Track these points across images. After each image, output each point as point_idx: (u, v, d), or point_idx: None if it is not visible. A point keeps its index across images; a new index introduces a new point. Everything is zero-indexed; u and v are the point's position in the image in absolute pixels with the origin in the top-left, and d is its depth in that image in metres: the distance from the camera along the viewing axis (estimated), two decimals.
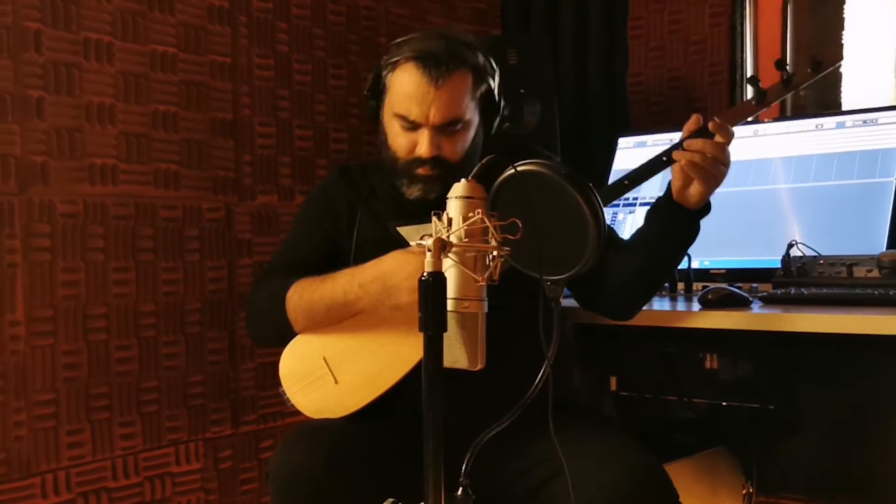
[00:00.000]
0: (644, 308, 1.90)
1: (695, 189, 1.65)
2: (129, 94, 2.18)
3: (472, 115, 1.78)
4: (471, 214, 1.17)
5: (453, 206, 1.19)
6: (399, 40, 1.79)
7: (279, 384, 1.81)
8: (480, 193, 1.20)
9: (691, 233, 1.73)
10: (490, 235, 1.17)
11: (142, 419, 2.21)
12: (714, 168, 1.62)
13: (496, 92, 1.82)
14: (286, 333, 1.78)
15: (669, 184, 1.69)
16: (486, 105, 1.82)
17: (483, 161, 1.24)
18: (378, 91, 1.82)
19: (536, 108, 2.53)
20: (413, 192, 1.78)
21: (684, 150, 1.63)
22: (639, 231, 1.78)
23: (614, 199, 1.78)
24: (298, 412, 1.79)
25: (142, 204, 2.21)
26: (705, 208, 1.70)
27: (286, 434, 1.83)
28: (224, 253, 2.38)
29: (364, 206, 1.87)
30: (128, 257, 2.18)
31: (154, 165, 2.23)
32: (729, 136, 1.64)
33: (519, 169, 1.24)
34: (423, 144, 1.74)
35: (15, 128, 1.99)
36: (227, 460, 2.39)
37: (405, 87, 1.74)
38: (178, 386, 2.28)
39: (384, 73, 1.79)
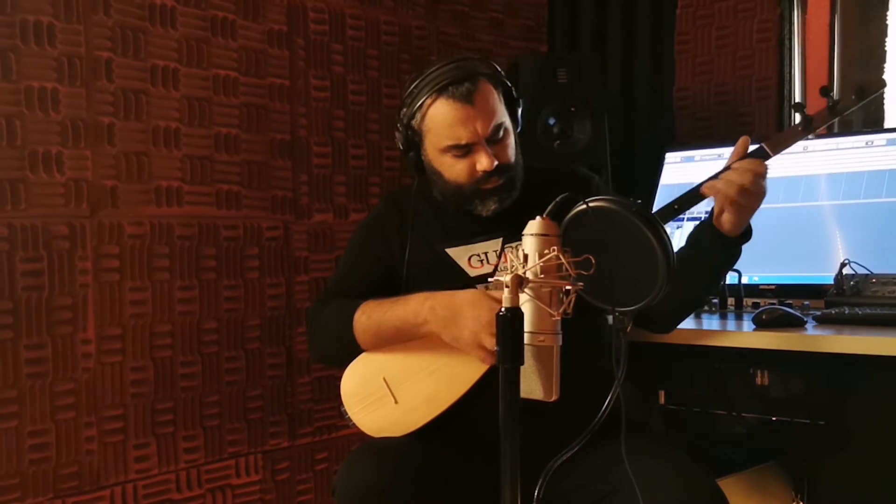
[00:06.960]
0: (695, 326, 1.93)
1: (726, 218, 1.68)
2: (193, 118, 2.25)
3: (506, 117, 1.84)
4: (546, 251, 1.21)
5: (529, 243, 1.23)
6: (411, 87, 1.83)
7: (335, 399, 1.86)
8: (555, 230, 1.23)
9: (730, 259, 1.76)
10: (564, 271, 1.21)
11: (204, 433, 2.28)
12: (746, 201, 1.65)
13: (512, 90, 1.87)
14: (352, 353, 1.83)
15: (713, 208, 1.72)
16: (510, 104, 1.87)
17: (557, 199, 1.27)
18: (414, 142, 1.87)
19: (586, 126, 2.56)
20: (489, 207, 1.83)
21: (731, 170, 1.65)
22: (680, 252, 1.80)
23: (664, 224, 1.81)
24: (355, 427, 1.83)
25: (205, 224, 2.27)
26: (745, 234, 1.73)
27: (350, 450, 1.87)
28: (282, 270, 2.43)
29: (413, 231, 1.92)
30: (191, 276, 2.25)
31: (216, 186, 2.30)
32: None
33: (591, 206, 1.27)
34: (482, 160, 1.79)
35: (87, 153, 2.07)
36: (285, 472, 2.45)
37: (444, 119, 1.79)
38: (239, 400, 2.35)
39: (413, 122, 1.84)
